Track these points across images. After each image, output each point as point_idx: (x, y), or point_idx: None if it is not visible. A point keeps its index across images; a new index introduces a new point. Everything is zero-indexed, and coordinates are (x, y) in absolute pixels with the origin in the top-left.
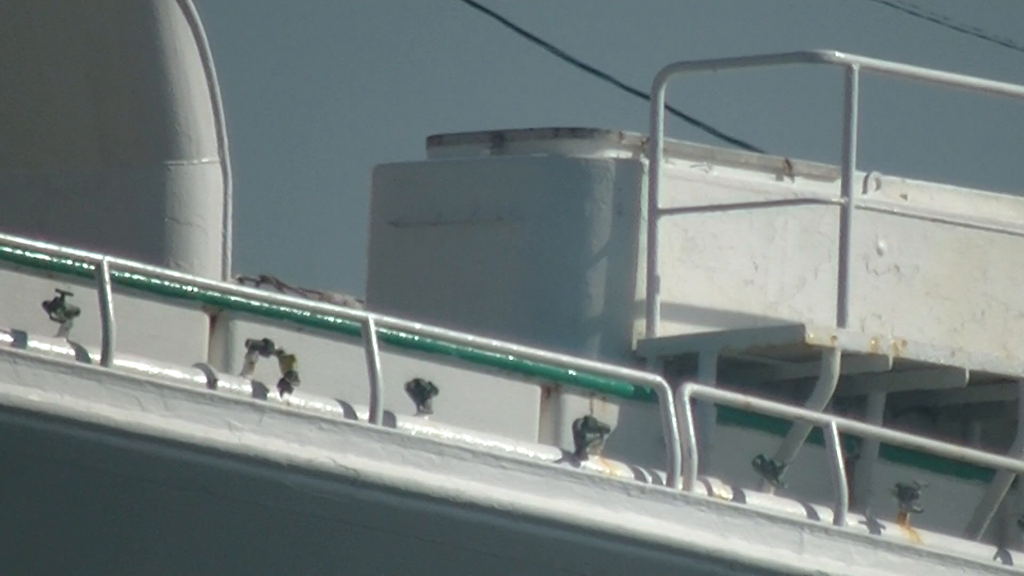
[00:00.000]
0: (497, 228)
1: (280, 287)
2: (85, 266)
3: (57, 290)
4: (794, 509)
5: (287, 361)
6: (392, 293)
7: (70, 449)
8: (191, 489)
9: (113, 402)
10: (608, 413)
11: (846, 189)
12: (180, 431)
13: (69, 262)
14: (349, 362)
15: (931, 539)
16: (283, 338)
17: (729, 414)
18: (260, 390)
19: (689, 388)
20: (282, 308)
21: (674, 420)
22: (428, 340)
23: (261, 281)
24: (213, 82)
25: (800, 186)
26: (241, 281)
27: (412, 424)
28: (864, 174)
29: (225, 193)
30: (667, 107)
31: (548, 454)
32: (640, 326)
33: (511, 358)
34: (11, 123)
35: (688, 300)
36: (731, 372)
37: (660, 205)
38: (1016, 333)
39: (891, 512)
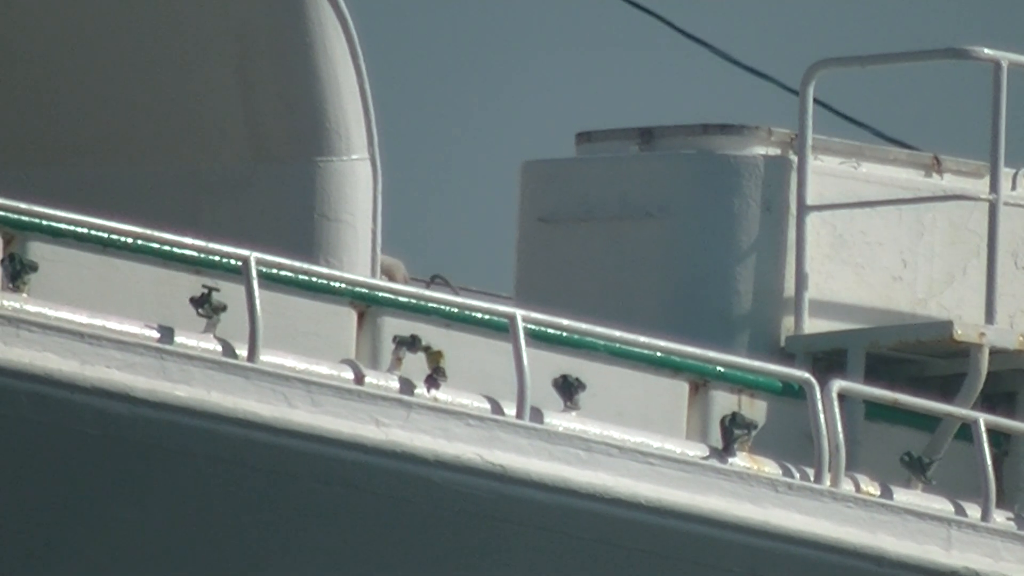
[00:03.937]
0: (645, 224)
1: (451, 288)
2: (232, 262)
3: (204, 286)
4: (942, 506)
5: (434, 357)
6: (540, 289)
7: (217, 445)
8: (338, 485)
9: (260, 398)
10: (756, 409)
11: (995, 186)
12: (327, 427)
13: (217, 258)
14: (496, 358)
15: None
16: (430, 334)
17: (877, 410)
18: (407, 386)
19: (837, 384)
20: (429, 304)
21: (822, 416)
22: (576, 336)
23: (432, 281)
24: (363, 79)
25: (949, 183)
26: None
27: (559, 420)
28: (1013, 171)
29: (375, 190)
30: (817, 102)
31: (695, 450)
32: (788, 322)
33: (659, 354)
34: (162, 119)
35: (836, 296)
36: (879, 368)
37: (808, 201)
38: None
39: None
